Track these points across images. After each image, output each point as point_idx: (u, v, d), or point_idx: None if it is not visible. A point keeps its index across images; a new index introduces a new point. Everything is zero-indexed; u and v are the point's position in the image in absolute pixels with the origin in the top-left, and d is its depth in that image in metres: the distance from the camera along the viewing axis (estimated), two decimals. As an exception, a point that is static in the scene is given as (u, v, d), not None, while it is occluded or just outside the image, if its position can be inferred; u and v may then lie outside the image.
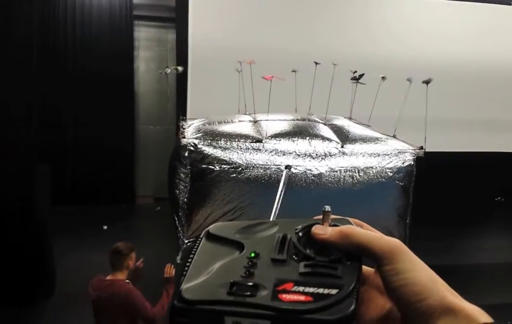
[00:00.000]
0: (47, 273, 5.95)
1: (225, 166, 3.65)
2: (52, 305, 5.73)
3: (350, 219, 0.58)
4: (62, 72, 10.05)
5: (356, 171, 3.67)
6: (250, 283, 0.49)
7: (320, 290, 0.48)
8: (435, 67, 8.12)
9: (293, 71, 4.98)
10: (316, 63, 4.78)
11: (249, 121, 4.29)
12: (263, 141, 3.74)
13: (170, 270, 3.60)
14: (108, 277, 3.50)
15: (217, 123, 4.16)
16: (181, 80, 9.97)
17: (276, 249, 0.53)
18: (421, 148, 3.86)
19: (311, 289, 0.48)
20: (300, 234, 0.55)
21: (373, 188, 3.73)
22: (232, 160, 3.65)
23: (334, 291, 0.47)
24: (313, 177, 3.59)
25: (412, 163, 3.74)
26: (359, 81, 3.98)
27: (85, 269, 6.64)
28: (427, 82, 4.36)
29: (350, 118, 4.37)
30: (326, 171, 3.64)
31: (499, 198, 11.11)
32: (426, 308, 0.49)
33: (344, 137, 3.87)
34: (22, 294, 5.55)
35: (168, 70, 4.52)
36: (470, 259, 8.01)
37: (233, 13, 9.59)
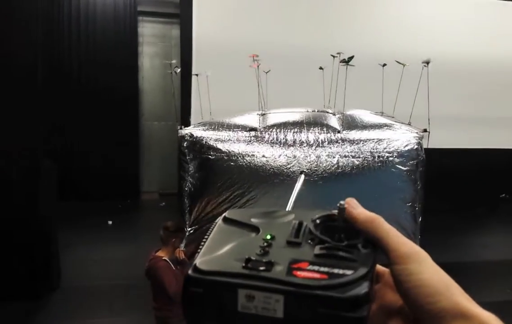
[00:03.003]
0: (52, 268, 5.97)
1: (220, 154, 3.74)
2: (57, 300, 5.77)
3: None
4: (67, 67, 10.07)
5: (353, 157, 3.63)
6: (265, 260, 0.49)
7: (335, 270, 0.47)
8: (446, 64, 8.09)
9: (320, 68, 4.95)
10: (334, 57, 4.65)
11: (257, 114, 4.32)
12: (258, 130, 3.81)
13: (180, 254, 3.88)
14: (155, 252, 3.88)
15: (224, 118, 4.18)
16: (186, 76, 9.98)
17: (292, 233, 0.54)
18: (425, 130, 3.75)
19: (326, 269, 0.48)
20: (317, 222, 0.55)
21: (371, 173, 3.67)
22: (228, 149, 3.73)
23: (349, 272, 0.47)
24: (309, 163, 3.63)
25: (416, 146, 3.60)
26: (349, 63, 4.00)
27: (90, 264, 6.69)
28: (427, 62, 4.34)
29: (381, 113, 4.39)
30: (322, 156, 3.65)
31: (504, 195, 11.07)
32: (438, 311, 0.49)
33: (347, 124, 3.84)
34: (27, 289, 5.58)
35: (178, 70, 4.54)
36: (474, 256, 7.98)
37: (237, 8, 9.57)
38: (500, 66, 9.84)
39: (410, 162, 3.63)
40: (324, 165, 3.64)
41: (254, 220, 0.57)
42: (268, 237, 0.53)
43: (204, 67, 9.44)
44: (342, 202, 0.54)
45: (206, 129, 3.92)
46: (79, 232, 7.70)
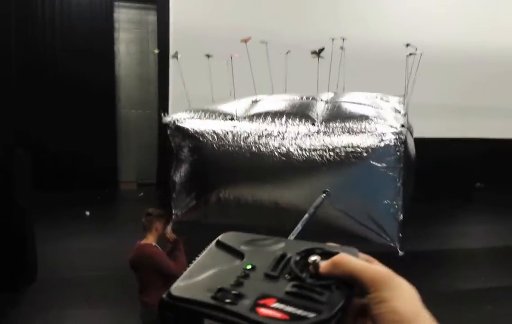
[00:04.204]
0: (29, 260, 5.87)
1: (200, 142, 3.78)
2: (35, 292, 5.69)
3: (360, 253, 0.58)
4: (42, 54, 9.84)
5: (326, 151, 3.56)
6: (235, 292, 0.50)
7: (299, 312, 0.48)
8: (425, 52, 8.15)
9: (315, 53, 4.76)
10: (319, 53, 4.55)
11: (252, 100, 4.32)
12: (235, 119, 3.82)
13: (170, 235, 3.98)
14: (142, 241, 3.93)
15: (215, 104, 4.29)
16: (163, 63, 9.85)
17: (271, 266, 0.54)
18: (403, 126, 3.66)
19: (290, 309, 0.48)
20: (301, 256, 0.55)
21: (344, 168, 3.58)
22: (207, 137, 3.76)
23: (311, 315, 0.48)
24: (281, 156, 3.60)
25: (394, 143, 3.49)
26: (319, 55, 3.99)
27: (67, 255, 6.60)
28: (411, 54, 4.37)
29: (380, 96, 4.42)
30: (294, 150, 3.60)
31: (478, 184, 11.30)
32: None
33: (330, 115, 3.80)
34: (3, 281, 5.47)
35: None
36: (451, 245, 8.16)
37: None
38: (478, 55, 9.98)
39: (387, 159, 3.55)
40: (295, 158, 3.60)
41: (243, 247, 0.59)
42: (249, 267, 0.55)
43: (182, 54, 9.35)
44: (313, 257, 0.54)
45: (191, 117, 3.94)
46: (56, 223, 7.58)
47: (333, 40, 4.50)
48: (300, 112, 3.88)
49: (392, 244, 3.59)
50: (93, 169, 9.96)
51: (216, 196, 3.79)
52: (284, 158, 3.61)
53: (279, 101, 4.19)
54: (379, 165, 3.53)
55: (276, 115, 3.82)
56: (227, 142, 3.69)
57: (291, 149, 3.61)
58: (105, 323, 5.44)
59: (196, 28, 9.10)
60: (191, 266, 0.56)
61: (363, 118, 3.71)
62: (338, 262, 0.53)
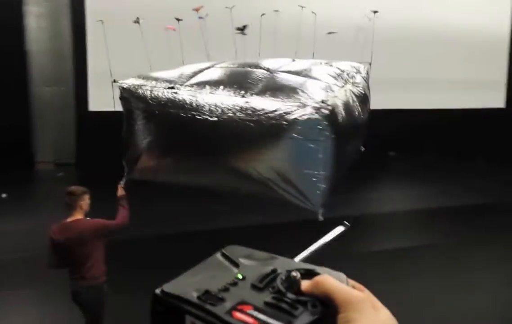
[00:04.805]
0: None
1: (147, 106, 4.08)
2: None
3: (350, 280, 0.61)
4: None
5: (252, 120, 3.76)
6: (219, 296, 0.55)
7: (270, 320, 0.52)
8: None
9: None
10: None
11: (207, 67, 4.49)
12: (175, 87, 4.02)
13: (120, 190, 4.09)
14: (69, 220, 3.85)
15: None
16: (79, 37, 9.41)
17: (259, 278, 0.59)
18: (323, 101, 3.82)
19: (262, 317, 0.53)
20: (289, 273, 0.58)
21: (268, 138, 3.82)
22: (152, 101, 4.03)
23: None
24: (209, 125, 3.82)
25: (314, 117, 3.67)
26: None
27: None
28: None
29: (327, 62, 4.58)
30: (222, 119, 3.80)
31: (392, 153, 11.98)
32: None
33: (264, 86, 3.94)
34: None
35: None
36: (370, 210, 8.66)
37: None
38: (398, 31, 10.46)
39: (308, 132, 3.70)
40: (224, 125, 3.79)
41: (241, 259, 0.64)
42: (239, 276, 0.60)
43: (99, 28, 8.98)
44: (294, 273, 0.57)
45: (140, 83, 4.17)
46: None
47: (302, 8, 4.64)
48: (236, 82, 4.03)
49: (313, 210, 3.80)
50: (5, 149, 9.35)
51: (160, 156, 4.18)
52: (215, 126, 3.81)
53: (221, 70, 4.39)
54: (300, 137, 3.71)
55: (212, 84, 4.03)
56: (169, 106, 3.95)
57: (223, 117, 3.80)
58: (32, 304, 5.31)
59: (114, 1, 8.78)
60: (191, 269, 0.61)
61: (291, 90, 3.87)
62: (319, 282, 0.56)
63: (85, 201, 3.94)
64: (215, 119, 3.83)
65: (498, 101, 12.95)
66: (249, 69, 4.38)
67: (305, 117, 3.65)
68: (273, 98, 3.83)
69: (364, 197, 9.08)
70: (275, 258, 0.64)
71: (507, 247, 7.05)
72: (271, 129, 3.73)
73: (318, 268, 0.62)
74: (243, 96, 3.89)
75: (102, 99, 9.53)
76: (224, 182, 4.08)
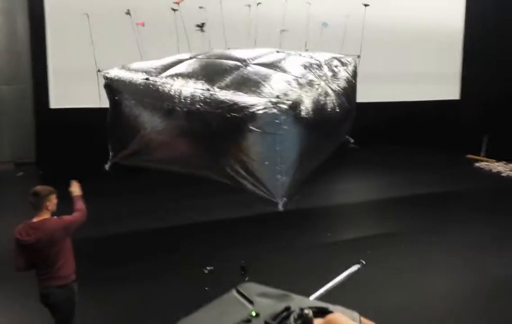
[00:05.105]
0: None
1: (122, 95, 4.37)
2: None
3: (363, 318, 0.64)
4: None
5: (215, 112, 3.90)
6: None
7: None
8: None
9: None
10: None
11: (188, 58, 4.71)
12: (150, 78, 4.23)
13: (75, 187, 4.07)
14: (36, 220, 3.73)
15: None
16: (38, 33, 9.21)
17: (271, 316, 0.63)
18: (278, 96, 3.87)
19: None
20: (302, 312, 0.62)
21: (230, 132, 3.96)
22: (127, 91, 4.32)
23: None
24: (178, 115, 4.07)
25: (271, 111, 3.78)
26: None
27: None
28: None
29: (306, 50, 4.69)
30: (190, 109, 3.99)
31: (353, 144, 12.21)
32: None
33: (231, 80, 4.05)
34: None
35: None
36: (330, 201, 8.84)
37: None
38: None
39: (269, 125, 3.82)
40: (193, 116, 3.97)
41: (256, 297, 0.67)
42: (253, 313, 0.64)
43: (58, 24, 8.81)
44: (307, 311, 0.60)
45: (123, 74, 4.45)
46: None
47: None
48: (206, 74, 4.20)
49: (274, 201, 3.91)
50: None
51: (138, 142, 4.42)
52: (183, 116, 4.05)
53: (198, 62, 4.58)
54: (258, 130, 3.81)
55: (185, 76, 4.24)
56: (144, 96, 4.22)
57: (191, 108, 4.01)
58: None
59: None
60: (207, 305, 0.65)
61: (254, 84, 3.99)
62: (331, 320, 0.59)
63: (52, 202, 3.81)
64: (184, 109, 4.00)
65: (454, 94, 13.46)
66: (224, 61, 4.53)
67: (262, 111, 3.75)
68: (237, 92, 3.93)
69: (327, 188, 9.26)
70: (289, 296, 0.67)
71: (463, 230, 7.40)
72: (232, 122, 3.85)
73: (331, 307, 0.63)
74: (208, 89, 4.02)
75: (63, 96, 9.39)
76: (194, 169, 4.23)
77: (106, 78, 4.45)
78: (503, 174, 11.18)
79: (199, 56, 4.74)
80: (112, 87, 4.43)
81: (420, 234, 7.23)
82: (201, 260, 5.68)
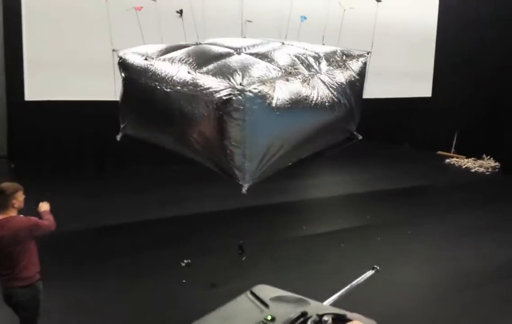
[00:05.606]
0: None
1: (128, 73, 4.75)
2: None
3: None
4: None
5: (192, 97, 4.13)
6: None
7: None
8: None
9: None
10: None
11: (196, 43, 5.00)
12: (148, 59, 4.61)
13: (44, 205, 3.90)
14: (1, 217, 3.60)
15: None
16: (13, 22, 9.01)
17: (288, 321, 0.65)
18: (240, 84, 3.92)
19: None
20: (320, 318, 0.64)
21: (203, 115, 4.10)
22: (136, 71, 4.66)
23: None
24: (163, 94, 4.35)
25: (236, 97, 3.88)
26: (181, 16, 4.68)
27: None
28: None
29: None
30: (173, 90, 4.28)
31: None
32: None
33: (214, 66, 4.23)
34: None
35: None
36: (307, 195, 8.98)
37: None
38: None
39: (236, 111, 3.87)
40: (171, 100, 4.27)
41: (270, 301, 0.69)
42: (269, 318, 0.66)
43: (35, 13, 8.61)
44: (326, 318, 0.60)
45: (133, 55, 4.81)
46: None
47: None
48: (197, 59, 4.43)
49: (240, 183, 4.07)
50: None
51: (138, 118, 4.85)
52: (167, 96, 4.33)
53: (198, 48, 4.84)
54: (225, 114, 3.92)
55: (179, 60, 4.49)
56: (142, 75, 4.58)
57: (174, 89, 4.28)
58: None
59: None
60: (220, 307, 0.66)
61: (230, 71, 4.10)
62: None
63: (18, 199, 3.67)
64: (168, 90, 4.28)
65: (426, 91, 13.75)
66: (219, 48, 4.72)
67: (227, 96, 3.89)
68: (214, 77, 4.08)
69: (302, 183, 9.39)
70: (305, 301, 0.69)
71: (435, 223, 7.63)
72: (204, 105, 4.02)
73: (349, 314, 0.64)
74: (189, 72, 4.25)
75: (39, 88, 9.20)
76: (178, 149, 4.48)
77: (119, 57, 4.96)
78: (472, 170, 11.55)
79: (205, 43, 5.06)
80: (123, 65, 4.89)
81: (395, 226, 7.42)
82: (178, 254, 5.74)
